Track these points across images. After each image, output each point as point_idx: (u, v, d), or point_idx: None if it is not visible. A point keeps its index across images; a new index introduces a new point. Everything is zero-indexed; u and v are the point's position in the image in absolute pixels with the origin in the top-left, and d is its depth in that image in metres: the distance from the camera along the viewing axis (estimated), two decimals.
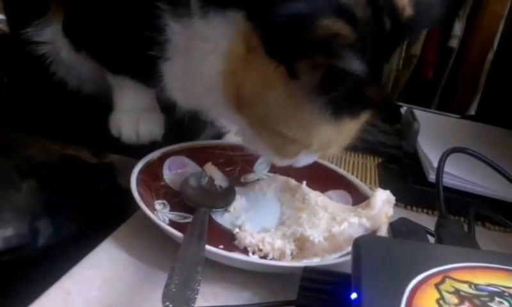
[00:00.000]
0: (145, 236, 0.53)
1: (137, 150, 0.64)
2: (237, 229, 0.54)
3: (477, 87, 1.37)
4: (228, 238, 0.54)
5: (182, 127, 0.68)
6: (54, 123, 0.72)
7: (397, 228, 0.49)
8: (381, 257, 0.40)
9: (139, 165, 0.59)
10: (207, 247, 0.46)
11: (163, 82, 0.58)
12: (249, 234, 0.53)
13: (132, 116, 0.68)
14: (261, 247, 0.52)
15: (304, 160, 0.57)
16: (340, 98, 0.46)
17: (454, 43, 1.46)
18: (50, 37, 0.68)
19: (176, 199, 0.59)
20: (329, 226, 0.54)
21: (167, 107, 0.67)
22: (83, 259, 0.49)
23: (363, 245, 0.41)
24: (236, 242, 0.53)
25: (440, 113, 1.18)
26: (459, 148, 0.64)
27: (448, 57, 1.46)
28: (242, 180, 0.66)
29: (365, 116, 0.51)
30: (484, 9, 1.36)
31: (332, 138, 0.51)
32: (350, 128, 0.52)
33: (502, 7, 1.35)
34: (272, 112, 0.49)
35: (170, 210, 0.56)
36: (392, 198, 0.58)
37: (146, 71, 0.59)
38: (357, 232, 0.53)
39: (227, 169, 0.66)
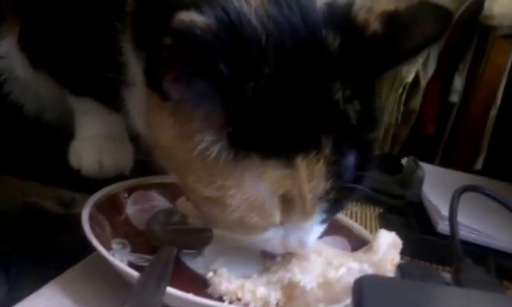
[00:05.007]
0: (96, 281, 0.43)
1: (101, 186, 0.55)
2: (210, 274, 0.44)
3: (480, 143, 1.30)
4: (199, 285, 0.44)
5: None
6: (5, 152, 0.63)
7: (408, 270, 0.40)
8: (390, 302, 0.31)
9: (96, 197, 0.49)
10: (170, 289, 0.37)
11: (127, 108, 0.51)
12: (225, 279, 0.43)
13: (95, 144, 0.59)
14: (240, 295, 0.42)
15: (292, 239, 0.44)
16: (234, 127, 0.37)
17: (455, 98, 1.40)
18: (5, 51, 0.60)
19: (140, 239, 0.49)
20: (324, 271, 0.44)
21: (138, 137, 0.58)
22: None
23: (367, 287, 0.32)
24: (209, 290, 0.43)
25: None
26: (473, 186, 0.57)
27: (450, 112, 1.40)
28: None
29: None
30: (485, 63, 1.31)
31: (263, 194, 0.39)
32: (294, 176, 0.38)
33: (503, 61, 1.29)
34: (176, 160, 0.42)
35: (131, 251, 0.47)
36: (399, 242, 0.48)
37: (110, 94, 0.52)
38: None
39: None
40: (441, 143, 1.38)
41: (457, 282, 0.40)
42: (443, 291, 0.35)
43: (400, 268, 0.40)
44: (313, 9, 0.39)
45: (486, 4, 1.30)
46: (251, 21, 0.36)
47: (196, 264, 0.47)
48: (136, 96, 0.47)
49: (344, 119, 0.39)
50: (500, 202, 0.57)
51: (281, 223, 0.41)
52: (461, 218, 0.63)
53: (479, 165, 1.26)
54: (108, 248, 0.44)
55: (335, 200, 0.41)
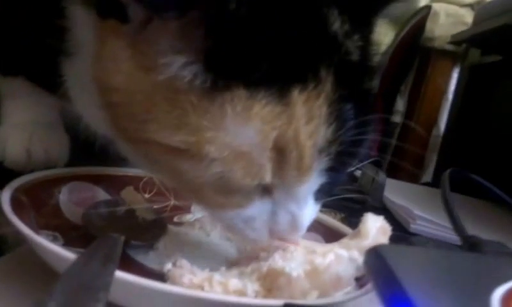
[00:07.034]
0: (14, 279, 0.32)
1: None
2: (169, 265, 0.35)
3: (423, 161, 1.29)
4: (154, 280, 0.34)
5: (93, 153, 0.49)
6: None
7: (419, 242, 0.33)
8: (421, 268, 0.24)
9: (23, 180, 0.39)
10: (122, 274, 0.27)
11: (65, 87, 0.41)
12: (188, 271, 0.34)
13: (24, 131, 0.49)
14: (207, 289, 0.33)
15: (282, 217, 0.35)
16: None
17: (397, 118, 1.40)
18: None
19: (76, 233, 0.39)
20: (310, 258, 0.36)
21: (76, 126, 0.49)
22: None
23: (389, 254, 0.25)
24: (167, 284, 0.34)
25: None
26: (460, 170, 0.52)
27: (392, 132, 1.39)
28: (176, 219, 0.48)
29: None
30: (426, 84, 1.32)
31: (251, 138, 0.30)
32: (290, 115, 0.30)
33: (443, 82, 1.31)
34: (133, 104, 0.31)
35: (64, 245, 0.36)
36: (388, 227, 0.41)
37: (46, 71, 0.42)
38: (347, 270, 0.36)
39: (156, 206, 0.47)
40: (384, 162, 1.37)
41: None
42: (472, 257, 0.28)
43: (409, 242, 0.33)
44: None
45: (428, 27, 1.32)
46: None
47: (147, 259, 0.38)
48: (79, 68, 0.38)
49: (344, 55, 0.32)
50: (487, 187, 0.52)
51: (272, 184, 0.33)
52: (434, 217, 0.59)
53: (427, 178, 1.24)
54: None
55: (337, 156, 0.32)
